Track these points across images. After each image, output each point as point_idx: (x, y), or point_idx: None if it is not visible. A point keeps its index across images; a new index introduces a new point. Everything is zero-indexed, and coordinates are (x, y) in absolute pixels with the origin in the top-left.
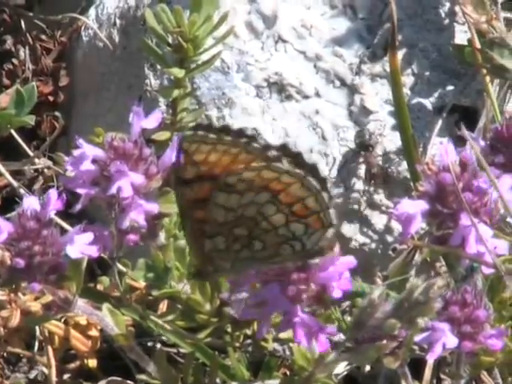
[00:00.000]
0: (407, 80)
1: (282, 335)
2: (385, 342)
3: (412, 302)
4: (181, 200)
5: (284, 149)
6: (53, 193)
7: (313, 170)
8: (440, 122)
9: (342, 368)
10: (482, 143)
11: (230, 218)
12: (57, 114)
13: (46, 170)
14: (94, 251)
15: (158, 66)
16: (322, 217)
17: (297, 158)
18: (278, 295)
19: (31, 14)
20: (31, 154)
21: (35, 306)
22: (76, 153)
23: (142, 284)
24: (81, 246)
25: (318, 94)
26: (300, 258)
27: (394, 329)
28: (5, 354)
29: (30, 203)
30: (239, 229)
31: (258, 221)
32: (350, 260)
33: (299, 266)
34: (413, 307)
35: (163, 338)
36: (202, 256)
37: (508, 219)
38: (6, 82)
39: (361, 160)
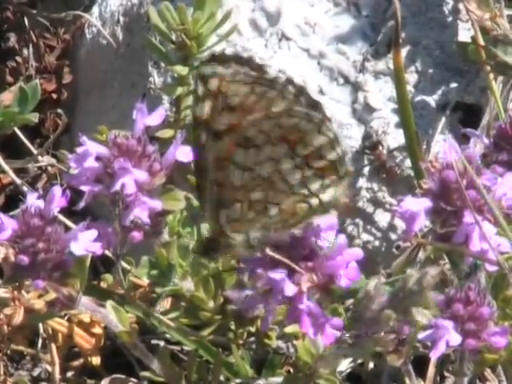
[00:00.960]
0: (410, 77)
1: (287, 330)
2: (383, 334)
3: (406, 292)
4: (206, 156)
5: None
6: (57, 190)
7: (319, 108)
8: (443, 120)
9: (345, 365)
10: (486, 141)
11: (247, 180)
12: (60, 111)
13: (49, 168)
14: (97, 248)
15: (162, 64)
16: (338, 166)
17: (301, 92)
18: (285, 280)
19: (34, 12)
20: (35, 151)
21: (39, 304)
22: (79, 150)
23: (145, 281)
24: (85, 242)
25: (321, 92)
26: (316, 214)
27: (389, 319)
28: (8, 352)
29: (34, 200)
30: (255, 193)
31: (273, 180)
32: (358, 251)
33: (306, 255)
34: (407, 297)
35: (167, 335)
36: (215, 227)
37: None
38: (9, 79)
39: (365, 157)
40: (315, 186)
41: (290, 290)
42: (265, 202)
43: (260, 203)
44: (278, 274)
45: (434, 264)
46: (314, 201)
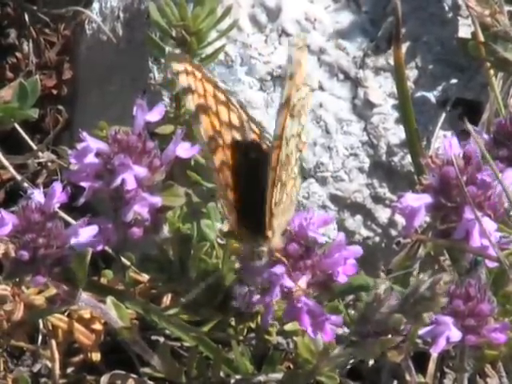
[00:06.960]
0: (411, 73)
1: (287, 327)
2: (390, 336)
3: (418, 297)
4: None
5: None
6: (57, 185)
7: None
8: (444, 116)
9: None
10: (486, 137)
11: (283, 157)
12: (60, 107)
13: (49, 164)
14: (98, 244)
15: (162, 60)
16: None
17: None
18: (284, 275)
19: (35, 8)
20: (35, 147)
21: (39, 300)
22: (80, 146)
23: (145, 277)
24: (85, 238)
25: (321, 88)
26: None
27: (399, 324)
28: (8, 348)
29: (34, 196)
30: (282, 172)
31: (290, 160)
32: (357, 248)
33: (304, 253)
34: (418, 302)
35: (167, 331)
36: (270, 214)
37: None
38: (9, 75)
39: (364, 154)
40: (298, 166)
41: (289, 283)
42: (283, 185)
43: (282, 185)
44: (277, 269)
45: (434, 260)
46: (298, 181)
